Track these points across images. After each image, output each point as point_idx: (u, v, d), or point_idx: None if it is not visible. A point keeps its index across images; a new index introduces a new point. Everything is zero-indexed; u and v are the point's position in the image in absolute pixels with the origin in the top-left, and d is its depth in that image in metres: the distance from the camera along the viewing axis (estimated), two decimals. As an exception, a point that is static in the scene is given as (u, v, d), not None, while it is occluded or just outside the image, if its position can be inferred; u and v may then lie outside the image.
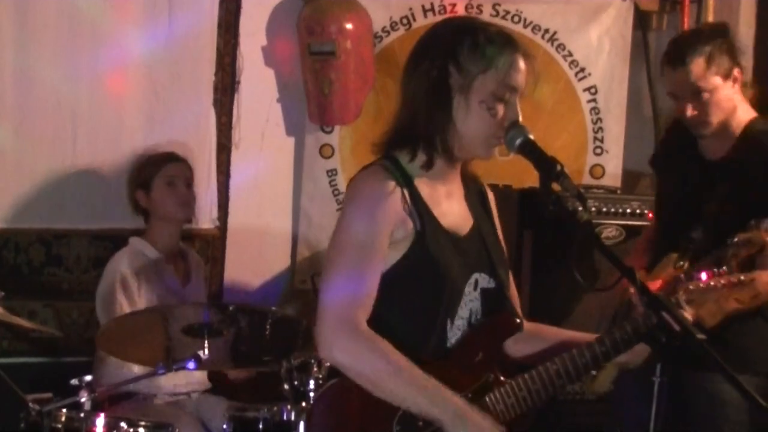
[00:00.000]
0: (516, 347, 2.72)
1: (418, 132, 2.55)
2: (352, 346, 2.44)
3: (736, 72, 3.49)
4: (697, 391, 3.44)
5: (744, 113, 3.54)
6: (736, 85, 3.50)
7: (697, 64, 3.43)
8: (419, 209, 2.53)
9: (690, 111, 3.47)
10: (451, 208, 2.62)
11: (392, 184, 2.51)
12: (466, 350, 2.56)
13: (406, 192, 2.53)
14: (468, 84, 2.51)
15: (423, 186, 2.56)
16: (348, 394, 2.51)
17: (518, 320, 2.64)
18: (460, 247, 2.59)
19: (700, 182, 3.56)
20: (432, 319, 2.55)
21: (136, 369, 3.88)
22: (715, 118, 3.48)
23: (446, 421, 2.44)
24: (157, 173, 4.38)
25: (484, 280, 2.62)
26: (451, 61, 2.53)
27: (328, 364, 3.59)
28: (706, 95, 3.45)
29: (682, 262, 3.43)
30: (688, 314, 2.73)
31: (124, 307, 4.14)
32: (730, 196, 3.45)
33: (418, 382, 2.45)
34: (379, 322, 2.49)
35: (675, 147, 3.76)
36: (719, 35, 3.52)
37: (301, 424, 3.43)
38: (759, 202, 3.36)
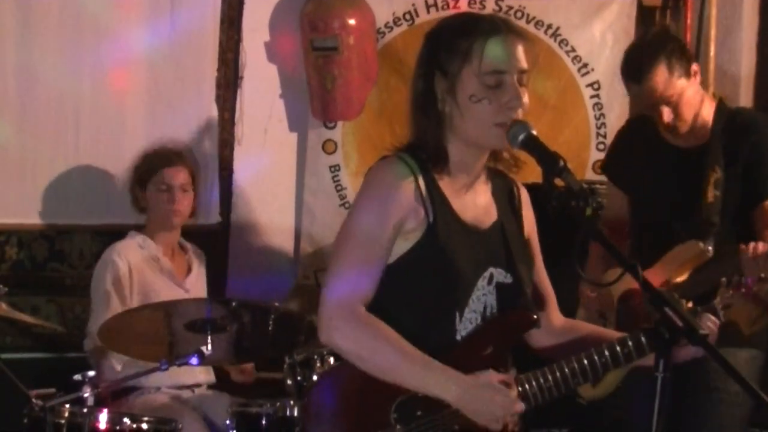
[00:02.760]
0: (546, 340, 2.72)
1: (416, 144, 2.55)
2: (351, 329, 2.44)
3: (694, 67, 3.59)
4: (698, 386, 3.45)
5: (708, 100, 3.66)
6: (697, 78, 3.61)
7: (660, 74, 3.51)
8: (434, 199, 2.52)
9: (667, 115, 3.56)
10: (473, 201, 2.60)
11: (406, 172, 2.51)
12: (475, 343, 2.54)
13: (421, 181, 2.52)
14: (453, 84, 2.50)
15: (442, 177, 2.56)
16: (347, 379, 2.51)
17: (534, 316, 2.61)
18: (476, 241, 2.57)
19: (683, 170, 3.62)
20: (439, 311, 2.53)
21: (133, 363, 3.88)
22: (689, 115, 3.58)
23: (453, 397, 2.43)
24: (153, 176, 4.31)
25: (500, 275, 2.59)
26: (435, 68, 2.52)
27: (331, 360, 3.61)
28: (675, 98, 3.54)
29: (709, 247, 3.48)
30: (716, 320, 2.67)
31: (114, 300, 4.13)
32: (728, 179, 3.51)
33: (421, 362, 2.44)
34: (385, 311, 2.48)
35: (634, 147, 3.81)
36: (668, 39, 3.66)
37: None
38: (755, 177, 3.52)
